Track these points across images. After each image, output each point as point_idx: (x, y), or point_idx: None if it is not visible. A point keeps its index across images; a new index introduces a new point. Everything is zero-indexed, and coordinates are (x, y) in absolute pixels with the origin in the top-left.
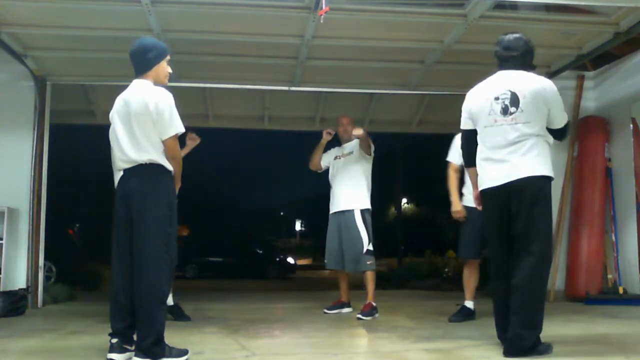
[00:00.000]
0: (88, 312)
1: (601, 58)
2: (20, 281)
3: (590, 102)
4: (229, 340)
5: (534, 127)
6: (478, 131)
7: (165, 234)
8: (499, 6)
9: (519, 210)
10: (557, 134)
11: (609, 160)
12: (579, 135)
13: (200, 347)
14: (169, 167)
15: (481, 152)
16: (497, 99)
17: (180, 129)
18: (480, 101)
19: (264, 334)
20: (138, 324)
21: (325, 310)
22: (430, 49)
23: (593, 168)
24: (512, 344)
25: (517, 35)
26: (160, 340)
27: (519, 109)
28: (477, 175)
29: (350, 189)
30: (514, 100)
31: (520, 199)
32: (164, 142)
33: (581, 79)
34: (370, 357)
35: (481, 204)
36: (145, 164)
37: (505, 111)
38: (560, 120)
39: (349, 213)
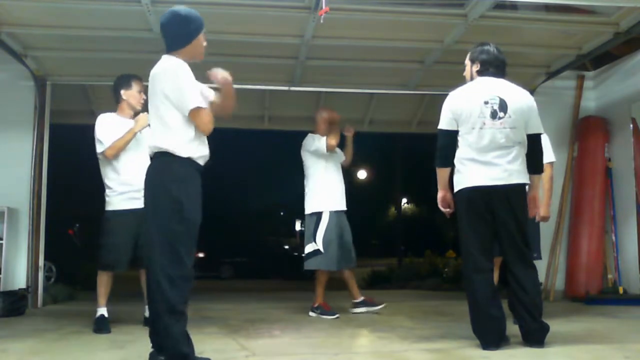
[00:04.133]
0: (88, 312)
1: (601, 58)
2: (20, 281)
3: (590, 102)
4: (229, 340)
5: (518, 134)
6: (462, 132)
7: (172, 233)
8: (499, 6)
9: (507, 215)
10: (530, 140)
11: (609, 160)
12: (579, 135)
13: (200, 347)
14: (180, 152)
15: (465, 153)
16: (486, 103)
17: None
18: (468, 103)
19: (264, 334)
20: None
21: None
22: (430, 49)
23: (593, 168)
24: (541, 334)
25: (493, 45)
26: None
27: (507, 115)
28: (448, 177)
29: (343, 189)
30: (503, 105)
31: (508, 205)
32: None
33: (581, 79)
34: (370, 357)
35: (453, 204)
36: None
37: (494, 115)
38: (535, 127)
39: (345, 214)
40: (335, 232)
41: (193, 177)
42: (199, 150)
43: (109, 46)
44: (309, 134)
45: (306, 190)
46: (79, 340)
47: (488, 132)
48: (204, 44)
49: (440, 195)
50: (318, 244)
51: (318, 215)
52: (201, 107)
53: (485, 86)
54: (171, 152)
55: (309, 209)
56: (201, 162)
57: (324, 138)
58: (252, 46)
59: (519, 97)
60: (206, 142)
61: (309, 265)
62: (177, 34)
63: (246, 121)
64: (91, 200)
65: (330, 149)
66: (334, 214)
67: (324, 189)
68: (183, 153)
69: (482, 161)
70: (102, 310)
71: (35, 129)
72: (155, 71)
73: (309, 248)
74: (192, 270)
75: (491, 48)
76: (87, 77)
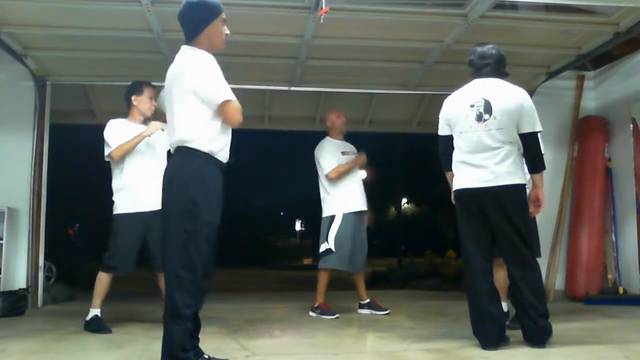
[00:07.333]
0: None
1: (601, 58)
2: (20, 281)
3: (590, 102)
4: (229, 340)
5: (507, 135)
6: (454, 136)
7: (184, 233)
8: (499, 6)
9: (499, 217)
10: (524, 140)
11: (609, 160)
12: (579, 135)
13: (200, 347)
14: (201, 147)
15: (457, 156)
16: (472, 106)
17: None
18: (456, 108)
19: (264, 334)
20: None
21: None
22: (430, 49)
23: (593, 168)
24: (540, 336)
25: (489, 45)
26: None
27: (492, 116)
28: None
29: (362, 190)
30: (487, 107)
31: (498, 207)
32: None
33: (581, 79)
34: (370, 357)
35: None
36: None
37: (479, 118)
38: (528, 126)
39: (362, 214)
40: (349, 233)
41: (213, 176)
42: (220, 143)
43: (109, 46)
44: (326, 138)
45: (321, 193)
46: (79, 340)
47: (474, 135)
48: (224, 32)
49: (452, 196)
50: (330, 244)
51: (331, 218)
52: (230, 100)
53: (473, 89)
54: (193, 147)
55: (324, 212)
56: (221, 159)
57: (332, 167)
58: (252, 46)
59: (506, 98)
60: (227, 136)
61: (322, 264)
62: (191, 23)
63: (246, 121)
64: (91, 200)
65: (330, 178)
66: (349, 216)
67: (337, 192)
68: (204, 147)
69: (472, 164)
70: (97, 311)
71: (35, 129)
72: (179, 66)
73: (322, 248)
74: (205, 274)
75: (478, 48)
76: (87, 77)
